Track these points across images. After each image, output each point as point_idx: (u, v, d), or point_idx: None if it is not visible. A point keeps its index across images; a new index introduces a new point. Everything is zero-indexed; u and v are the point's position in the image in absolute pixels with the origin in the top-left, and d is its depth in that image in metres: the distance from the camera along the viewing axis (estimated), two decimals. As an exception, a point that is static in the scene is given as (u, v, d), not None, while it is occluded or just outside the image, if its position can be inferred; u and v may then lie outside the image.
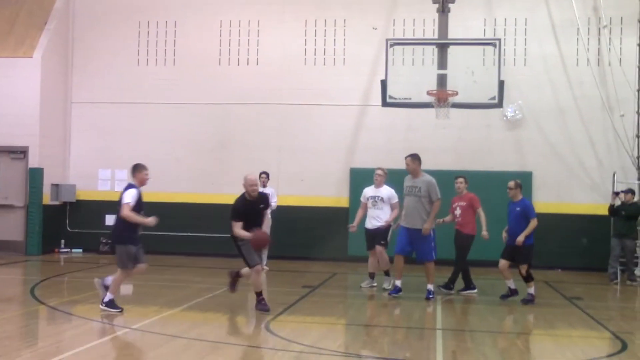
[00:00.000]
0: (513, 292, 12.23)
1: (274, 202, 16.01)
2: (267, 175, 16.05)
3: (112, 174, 19.46)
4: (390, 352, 8.27)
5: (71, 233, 19.38)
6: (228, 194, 18.38)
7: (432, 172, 17.63)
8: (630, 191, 15.90)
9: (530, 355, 8.78)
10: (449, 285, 13.15)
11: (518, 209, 11.97)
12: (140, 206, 10.25)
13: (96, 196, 19.36)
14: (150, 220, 10.10)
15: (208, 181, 18.90)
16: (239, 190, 17.52)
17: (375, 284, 13.40)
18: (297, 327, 10.01)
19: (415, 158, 12.37)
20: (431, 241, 12.19)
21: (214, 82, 19.03)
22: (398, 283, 12.35)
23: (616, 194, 15.94)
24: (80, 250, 19.02)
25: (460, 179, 13.39)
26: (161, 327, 9.26)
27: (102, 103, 19.44)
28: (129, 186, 10.34)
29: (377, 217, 13.07)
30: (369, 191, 13.38)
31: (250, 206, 10.73)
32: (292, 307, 11.21)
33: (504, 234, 12.17)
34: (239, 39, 19.17)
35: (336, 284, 14.66)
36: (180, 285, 13.45)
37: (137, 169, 10.51)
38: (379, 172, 13.42)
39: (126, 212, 9.98)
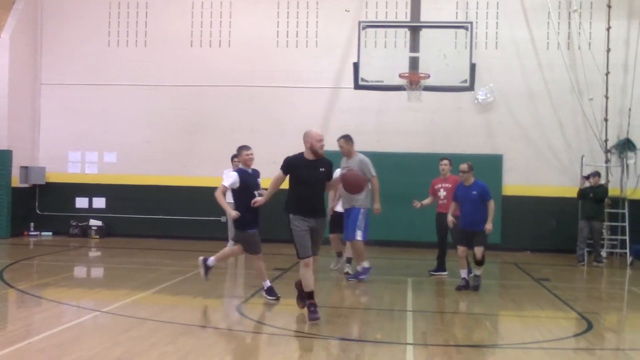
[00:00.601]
0: (467, 283, 11.57)
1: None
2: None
3: (82, 156, 19.30)
4: (361, 334, 8.32)
5: (41, 216, 19.18)
6: (199, 176, 18.50)
7: (403, 155, 17.96)
8: (597, 174, 16.11)
9: (499, 336, 8.87)
10: (441, 269, 13.14)
11: (475, 192, 11.30)
12: (250, 187, 9.92)
13: (66, 179, 19.20)
14: (232, 214, 9.84)
15: (180, 163, 18.80)
16: (211, 173, 17.53)
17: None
18: (269, 309, 10.02)
19: (348, 139, 12.25)
20: (357, 221, 11.91)
21: (186, 63, 18.88)
22: (365, 264, 12.23)
23: (586, 178, 16.12)
24: (50, 233, 18.85)
25: (445, 161, 13.24)
26: (132, 310, 9.22)
27: (72, 85, 19.21)
28: (235, 170, 10.24)
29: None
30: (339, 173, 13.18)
31: (312, 166, 9.20)
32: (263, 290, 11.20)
33: (450, 218, 11.78)
34: (210, 21, 19.02)
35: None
36: (151, 268, 13.39)
37: (239, 150, 10.26)
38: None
39: (216, 193, 9.92)
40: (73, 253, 16.13)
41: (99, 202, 19.11)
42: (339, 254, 13.35)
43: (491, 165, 17.25)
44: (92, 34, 19.24)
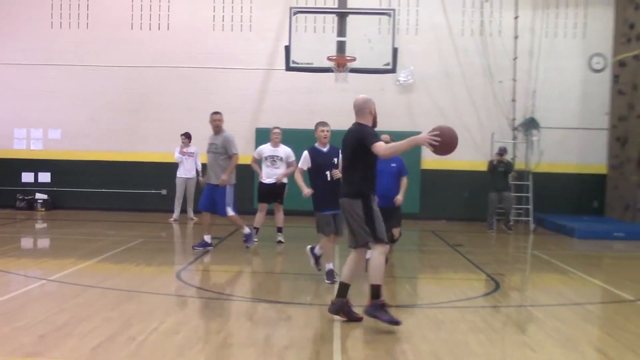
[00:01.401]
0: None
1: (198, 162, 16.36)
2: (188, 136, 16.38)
3: (28, 133, 18.74)
4: (292, 297, 8.37)
5: (-13, 190, 18.58)
6: (141, 152, 18.22)
7: (332, 132, 17.93)
8: (505, 150, 16.57)
9: (418, 297, 9.06)
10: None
11: (394, 165, 10.15)
12: (321, 166, 8.96)
13: (12, 154, 18.64)
14: (305, 192, 9.10)
15: (122, 140, 18.44)
16: (152, 149, 17.28)
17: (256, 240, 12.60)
18: (207, 275, 10.01)
19: (220, 114, 11.84)
20: (224, 196, 11.36)
21: (127, 45, 18.45)
22: (207, 238, 11.56)
23: (500, 154, 16.46)
24: (-3, 206, 18.30)
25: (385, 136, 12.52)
26: (77, 278, 9.06)
27: (16, 64, 18.56)
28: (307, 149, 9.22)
29: (275, 175, 12.63)
30: (265, 150, 12.79)
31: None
32: (201, 257, 11.16)
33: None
34: (150, 5, 18.60)
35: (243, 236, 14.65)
36: (95, 239, 13.15)
37: (315, 126, 9.40)
38: (277, 131, 12.87)
39: (295, 174, 9.33)
40: (20, 225, 15.70)
41: (45, 177, 18.63)
42: (257, 230, 12.78)
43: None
44: (36, 15, 18.58)
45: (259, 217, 12.84)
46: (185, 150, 16.36)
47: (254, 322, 7.12)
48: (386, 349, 6.26)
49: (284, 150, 12.77)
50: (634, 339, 6.69)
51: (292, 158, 12.58)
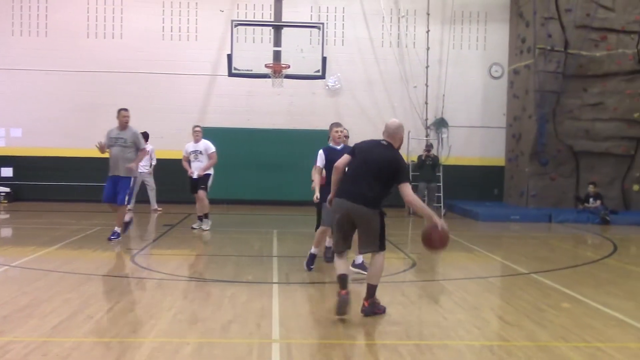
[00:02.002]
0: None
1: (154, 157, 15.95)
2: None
3: (-10, 132, 17.97)
4: (235, 276, 8.27)
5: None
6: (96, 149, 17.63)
7: (269, 130, 17.89)
8: (432, 146, 16.85)
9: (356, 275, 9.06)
10: None
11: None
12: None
13: (-24, 151, 17.83)
14: (316, 196, 8.42)
15: (79, 138, 17.82)
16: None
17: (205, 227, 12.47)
18: (159, 259, 9.80)
19: (127, 110, 11.27)
20: (127, 187, 10.59)
21: (83, 52, 17.85)
22: (117, 229, 10.72)
23: (428, 150, 16.68)
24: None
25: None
26: (38, 264, 8.72)
27: (-22, 69, 17.75)
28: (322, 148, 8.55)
29: (199, 168, 12.32)
30: (189, 146, 12.58)
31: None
32: (154, 242, 10.95)
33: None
34: (104, 15, 18.05)
35: (191, 223, 14.38)
36: (55, 227, 12.69)
37: (330, 127, 8.76)
38: (197, 129, 12.66)
39: (312, 175, 8.62)
40: (-15, 216, 15.04)
41: (7, 172, 17.87)
42: (200, 218, 12.58)
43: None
44: (-3, 24, 17.80)
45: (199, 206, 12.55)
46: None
47: (200, 300, 7.00)
48: (317, 320, 6.26)
49: (204, 145, 12.50)
50: (528, 306, 6.87)
51: (212, 150, 12.45)
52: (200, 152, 12.44)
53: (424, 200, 16.28)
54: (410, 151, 17.94)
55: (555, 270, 9.08)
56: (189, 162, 12.54)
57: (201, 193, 12.26)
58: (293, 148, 16.96)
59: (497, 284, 8.55)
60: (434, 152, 16.96)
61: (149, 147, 15.41)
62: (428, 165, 16.51)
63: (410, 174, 16.52)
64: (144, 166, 15.87)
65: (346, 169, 6.54)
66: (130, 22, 18.07)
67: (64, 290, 7.10)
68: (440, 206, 17.33)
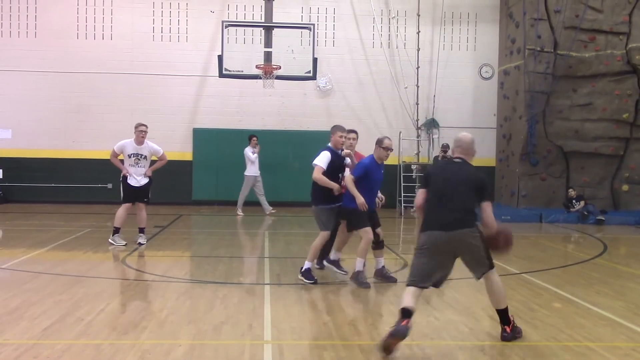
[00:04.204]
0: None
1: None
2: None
3: (-22, 132, 17.85)
4: (227, 277, 8.26)
5: (-59, 186, 17.57)
6: (87, 150, 17.61)
7: (260, 131, 17.84)
8: (448, 146, 16.20)
9: (338, 275, 9.08)
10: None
11: (382, 171, 8.69)
12: (335, 169, 7.98)
13: (-36, 153, 17.68)
14: (335, 188, 7.84)
15: (69, 139, 17.78)
16: (96, 147, 16.65)
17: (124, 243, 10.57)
18: (150, 260, 9.75)
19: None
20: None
21: (72, 53, 17.77)
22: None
23: (444, 150, 15.95)
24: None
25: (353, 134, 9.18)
26: (29, 266, 8.67)
27: (-33, 70, 17.63)
28: (324, 149, 8.05)
29: (141, 176, 10.55)
30: (129, 147, 10.45)
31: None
32: (145, 244, 10.86)
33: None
34: (94, 16, 17.97)
35: (182, 224, 14.40)
36: (45, 229, 12.61)
37: (332, 130, 8.24)
38: (144, 128, 10.48)
39: (315, 175, 7.82)
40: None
41: (-4, 173, 17.79)
42: (117, 230, 10.57)
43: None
44: (-14, 25, 17.69)
45: (123, 216, 10.58)
46: (257, 150, 15.62)
47: (192, 301, 6.98)
48: (310, 320, 6.26)
49: (149, 148, 10.57)
50: (520, 306, 6.89)
51: (161, 151, 10.72)
52: (145, 157, 10.52)
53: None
54: (402, 152, 17.99)
55: (546, 270, 9.12)
56: (121, 162, 10.57)
57: (143, 205, 10.61)
58: (284, 149, 16.97)
59: (488, 284, 8.56)
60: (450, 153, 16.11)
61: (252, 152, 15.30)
62: None
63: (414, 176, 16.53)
64: (255, 170, 15.68)
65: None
66: (120, 23, 18.00)
67: (55, 292, 7.06)
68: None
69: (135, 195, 10.55)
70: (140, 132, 10.40)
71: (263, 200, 15.91)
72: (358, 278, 7.84)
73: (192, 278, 8.47)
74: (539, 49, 16.49)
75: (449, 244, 5.59)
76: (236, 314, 6.33)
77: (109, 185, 17.49)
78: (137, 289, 7.71)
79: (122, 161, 10.56)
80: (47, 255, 9.72)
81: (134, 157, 10.44)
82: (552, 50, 16.52)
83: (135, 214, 10.70)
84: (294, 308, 6.72)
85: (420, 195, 5.90)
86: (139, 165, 10.49)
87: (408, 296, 5.48)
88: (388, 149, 8.19)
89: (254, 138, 15.81)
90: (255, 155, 15.69)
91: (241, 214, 15.38)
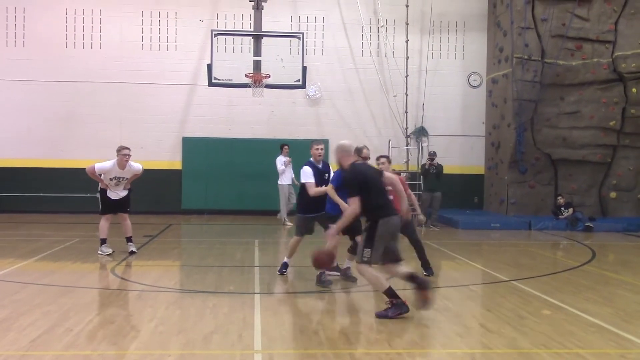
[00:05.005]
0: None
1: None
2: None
3: (-34, 142, 17.72)
4: (217, 287, 8.23)
5: None
6: (75, 159, 17.52)
7: (250, 140, 17.89)
8: (435, 154, 16.11)
9: (337, 284, 9.08)
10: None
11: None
12: (321, 178, 8.46)
13: (-49, 162, 17.54)
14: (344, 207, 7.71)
15: (58, 148, 17.69)
16: (85, 156, 16.59)
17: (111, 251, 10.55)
18: (139, 270, 9.70)
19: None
20: None
21: (61, 62, 17.73)
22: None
23: (431, 159, 15.98)
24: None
25: (383, 159, 9.28)
26: (16, 276, 8.61)
27: (-45, 79, 17.52)
28: (304, 164, 8.50)
29: (121, 194, 10.50)
30: (112, 171, 10.25)
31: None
32: (134, 254, 10.81)
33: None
34: (83, 25, 17.95)
35: (172, 233, 14.35)
36: (34, 239, 12.52)
37: (311, 144, 8.74)
38: (127, 152, 10.25)
39: (314, 191, 8.26)
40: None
41: (-16, 183, 17.64)
42: (104, 241, 10.57)
43: (320, 148, 17.58)
44: (-27, 34, 17.61)
45: (106, 227, 10.56)
46: (288, 159, 15.54)
47: (182, 311, 6.94)
48: (301, 329, 6.24)
49: (131, 170, 10.43)
50: (510, 314, 6.91)
51: (140, 170, 10.60)
52: (126, 179, 10.46)
53: (428, 210, 15.54)
54: (391, 160, 17.97)
55: (535, 277, 9.15)
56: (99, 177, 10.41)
57: (126, 214, 10.57)
58: (274, 158, 16.92)
59: (478, 291, 8.60)
60: (437, 160, 15.99)
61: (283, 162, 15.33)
62: (432, 174, 15.86)
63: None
64: (288, 179, 15.57)
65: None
66: (109, 32, 17.99)
67: (43, 303, 7.01)
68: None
69: (115, 206, 10.48)
70: (124, 157, 10.14)
71: (284, 211, 15.75)
72: (321, 278, 8.31)
73: (181, 288, 8.43)
74: (526, 57, 16.62)
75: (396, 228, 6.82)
76: (226, 324, 6.31)
77: (98, 195, 17.42)
78: (127, 299, 7.66)
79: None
80: (35, 266, 9.65)
81: (115, 180, 10.32)
82: (540, 59, 16.65)
83: (119, 224, 10.65)
84: (285, 317, 6.70)
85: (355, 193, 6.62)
86: (119, 184, 10.44)
87: (396, 268, 6.70)
88: (366, 158, 8.50)
89: (285, 147, 15.72)
90: (283, 165, 15.53)
91: (289, 223, 15.19)
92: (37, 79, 17.63)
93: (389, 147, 17.87)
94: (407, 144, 18.41)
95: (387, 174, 7.42)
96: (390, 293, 6.59)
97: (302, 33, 15.66)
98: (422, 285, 6.51)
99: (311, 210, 8.53)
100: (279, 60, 16.27)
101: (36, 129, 17.64)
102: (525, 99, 16.59)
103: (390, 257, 6.70)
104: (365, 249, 6.59)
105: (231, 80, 14.96)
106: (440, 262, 10.63)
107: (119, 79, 17.80)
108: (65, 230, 13.76)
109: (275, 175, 15.71)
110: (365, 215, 6.70)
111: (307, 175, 8.36)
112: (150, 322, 6.34)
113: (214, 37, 14.67)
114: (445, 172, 16.56)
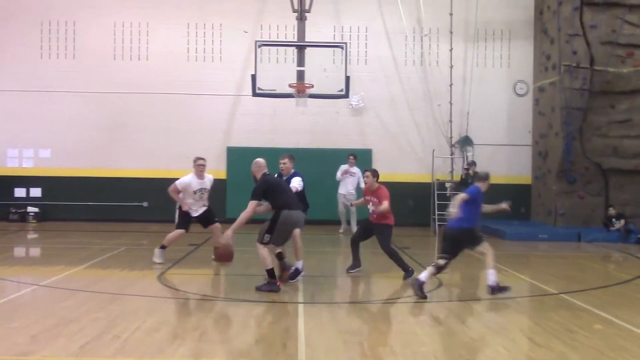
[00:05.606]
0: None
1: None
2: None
3: (20, 152, 18.28)
4: (260, 296, 8.27)
5: (-17, 204, 18.00)
6: (122, 168, 17.93)
7: (293, 150, 17.87)
8: (474, 163, 16.05)
9: (371, 293, 9.06)
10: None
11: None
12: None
13: (5, 172, 18.11)
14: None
15: (105, 157, 18.10)
16: (131, 166, 16.96)
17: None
18: (184, 278, 9.83)
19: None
20: None
21: (109, 73, 18.15)
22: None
23: (467, 168, 16.08)
24: (-8, 219, 17.75)
25: (367, 173, 10.30)
26: (66, 283, 8.82)
27: (10, 91, 18.08)
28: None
29: (204, 208, 10.86)
30: (194, 183, 10.55)
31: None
32: (180, 262, 10.98)
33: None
34: (130, 38, 18.36)
35: (216, 241, 14.45)
36: (83, 247, 12.84)
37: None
38: (202, 162, 10.58)
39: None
40: (12, 236, 15.25)
41: (36, 192, 18.16)
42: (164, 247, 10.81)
43: (363, 157, 17.47)
44: (28, 47, 18.16)
45: (174, 238, 10.78)
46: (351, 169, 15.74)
47: (226, 320, 7.00)
48: (344, 340, 6.21)
49: (210, 180, 10.84)
50: (558, 327, 6.75)
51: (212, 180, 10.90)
52: (207, 190, 10.75)
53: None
54: (435, 169, 17.87)
55: (585, 290, 8.93)
56: (178, 195, 10.59)
57: (218, 225, 10.83)
58: (317, 167, 16.96)
59: (525, 304, 8.43)
60: (474, 169, 15.58)
61: (354, 169, 15.51)
62: (469, 184, 15.68)
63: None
64: (342, 188, 15.79)
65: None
66: (156, 44, 18.35)
67: (92, 310, 7.16)
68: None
69: (197, 221, 10.76)
70: (199, 166, 10.46)
71: (342, 220, 16.00)
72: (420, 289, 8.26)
73: (226, 296, 8.51)
74: (574, 65, 16.28)
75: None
76: (270, 333, 6.33)
77: (145, 204, 17.78)
78: (172, 307, 7.77)
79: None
80: (84, 273, 9.88)
81: (198, 192, 10.54)
82: (589, 66, 16.29)
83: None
84: (328, 327, 6.69)
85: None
86: (203, 198, 10.72)
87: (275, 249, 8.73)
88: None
89: (350, 157, 15.90)
90: (340, 173, 15.75)
91: (341, 231, 15.59)
92: (86, 90, 18.11)
93: (433, 156, 17.72)
94: (452, 154, 18.21)
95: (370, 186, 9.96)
96: (270, 273, 8.39)
97: (345, 43, 15.69)
98: (284, 267, 9.00)
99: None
100: (322, 70, 16.31)
101: (85, 139, 18.08)
102: (573, 107, 16.24)
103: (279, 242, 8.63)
104: (266, 234, 8.44)
105: (275, 90, 15.05)
106: (486, 274, 10.43)
107: (165, 89, 18.14)
108: (113, 239, 14.05)
109: (319, 184, 15.74)
110: (273, 210, 8.54)
111: (298, 181, 9.79)
112: (195, 331, 6.41)
113: (258, 47, 14.81)
114: (491, 182, 16.23)
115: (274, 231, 8.42)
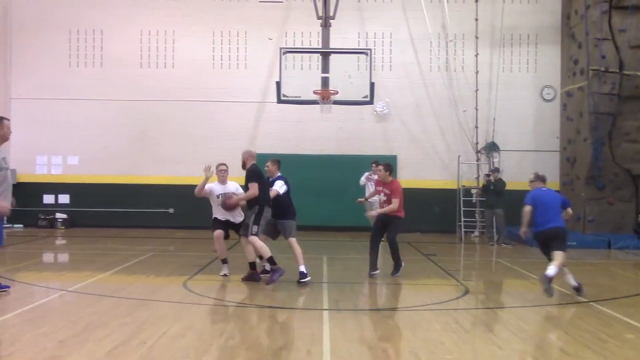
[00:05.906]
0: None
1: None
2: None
3: (48, 159, 18.61)
4: (284, 302, 8.27)
5: (12, 211, 18.15)
6: (148, 175, 18.13)
7: (318, 156, 18.01)
8: (497, 170, 16.00)
9: (396, 300, 9.00)
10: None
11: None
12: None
13: (34, 179, 18.47)
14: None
15: (132, 164, 18.34)
16: (157, 172, 17.12)
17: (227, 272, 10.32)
18: (210, 284, 9.86)
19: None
20: None
21: (136, 81, 18.43)
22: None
23: (487, 175, 16.04)
24: (21, 225, 18.03)
25: (380, 167, 10.46)
26: (94, 289, 8.91)
27: (38, 99, 18.49)
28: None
29: (237, 212, 10.26)
30: (217, 189, 10.25)
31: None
32: (205, 268, 11.04)
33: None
34: (157, 46, 18.62)
35: (240, 249, 14.48)
36: (110, 253, 12.98)
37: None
38: (224, 167, 10.36)
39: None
40: (41, 242, 15.49)
41: (64, 198, 18.46)
42: (254, 265, 10.18)
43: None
44: (55, 56, 18.55)
45: (219, 246, 10.29)
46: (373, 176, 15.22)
47: (251, 326, 7.01)
48: (369, 346, 6.18)
49: (234, 186, 10.44)
50: (589, 336, 6.63)
51: (240, 190, 10.35)
52: (231, 194, 10.25)
53: (491, 228, 15.60)
54: (461, 176, 17.75)
55: (616, 298, 8.77)
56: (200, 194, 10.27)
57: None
58: (342, 173, 16.98)
59: (554, 312, 8.29)
60: (497, 176, 15.68)
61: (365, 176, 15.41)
62: (491, 190, 15.53)
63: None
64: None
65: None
66: (182, 51, 18.57)
67: (119, 315, 7.22)
68: (493, 232, 16.81)
69: (233, 228, 10.29)
70: (221, 172, 10.27)
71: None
72: (547, 287, 8.39)
73: (251, 302, 8.52)
74: (603, 69, 16.05)
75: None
76: (295, 339, 6.32)
77: (171, 210, 17.94)
78: (198, 313, 7.80)
79: None
80: (111, 279, 9.98)
81: (222, 197, 10.18)
82: (618, 71, 16.05)
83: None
84: (353, 334, 6.66)
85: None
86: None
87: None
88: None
89: (372, 164, 15.67)
90: (364, 177, 15.37)
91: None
92: (113, 97, 18.38)
93: (459, 162, 17.61)
94: (478, 160, 18.07)
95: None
96: (271, 260, 9.14)
97: (370, 49, 15.65)
98: (253, 267, 9.80)
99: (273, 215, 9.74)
100: (346, 76, 16.30)
101: (112, 146, 18.34)
102: (602, 112, 16.01)
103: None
104: (254, 226, 9.18)
105: (300, 97, 15.10)
106: (514, 281, 10.35)
107: (190, 97, 18.32)
108: (140, 245, 14.18)
109: (343, 190, 15.73)
110: (257, 203, 9.22)
111: (280, 185, 9.93)
112: (221, 337, 6.43)
113: (283, 54, 14.88)
114: (518, 188, 16.10)
115: (259, 223, 9.26)
